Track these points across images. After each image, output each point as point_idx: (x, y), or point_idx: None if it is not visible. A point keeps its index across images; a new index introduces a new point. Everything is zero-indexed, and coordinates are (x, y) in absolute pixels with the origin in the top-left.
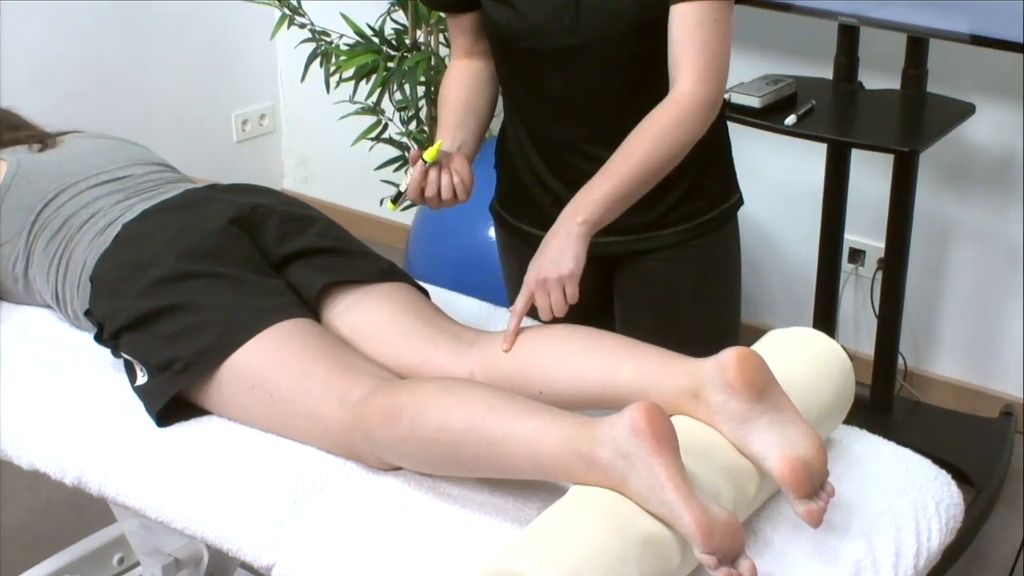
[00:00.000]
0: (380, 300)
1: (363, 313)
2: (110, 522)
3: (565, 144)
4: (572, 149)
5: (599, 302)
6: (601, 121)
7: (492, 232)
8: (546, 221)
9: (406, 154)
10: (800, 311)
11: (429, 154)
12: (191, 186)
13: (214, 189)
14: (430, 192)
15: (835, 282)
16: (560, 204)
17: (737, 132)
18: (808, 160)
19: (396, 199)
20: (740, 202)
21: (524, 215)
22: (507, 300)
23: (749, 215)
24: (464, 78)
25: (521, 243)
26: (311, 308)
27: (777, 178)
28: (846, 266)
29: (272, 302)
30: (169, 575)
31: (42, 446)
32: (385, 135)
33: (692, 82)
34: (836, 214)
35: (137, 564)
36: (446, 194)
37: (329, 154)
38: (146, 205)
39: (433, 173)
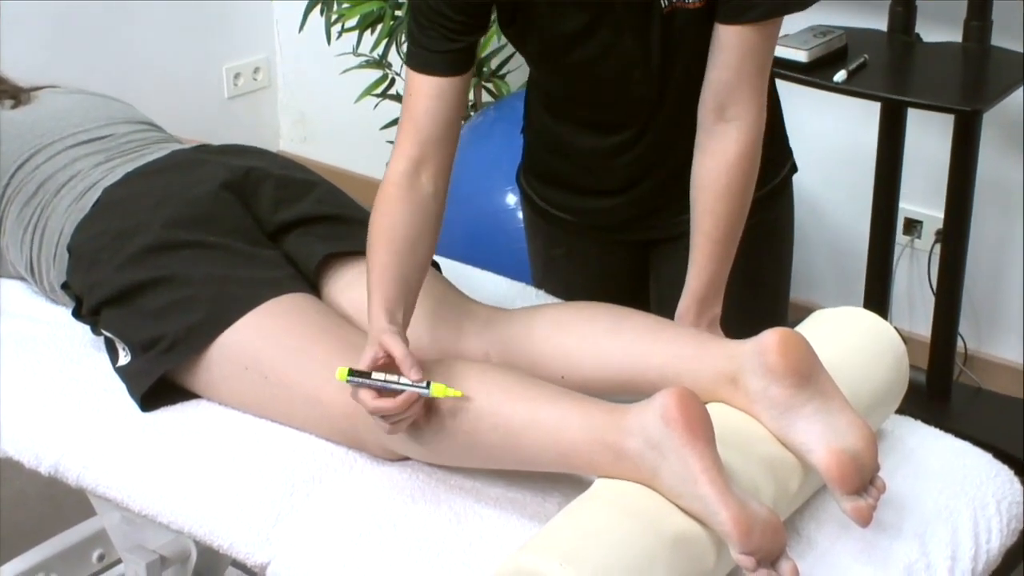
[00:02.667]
0: None
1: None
2: (89, 515)
3: (601, 153)
4: (607, 156)
5: (632, 284)
6: (642, 129)
7: (511, 198)
8: (577, 210)
9: None
10: (849, 288)
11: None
12: (178, 147)
13: (203, 150)
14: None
15: (888, 256)
16: (593, 196)
17: (781, 89)
18: (860, 121)
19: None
20: (793, 169)
21: (553, 198)
22: (530, 276)
23: (796, 182)
24: (409, 219)
25: (549, 225)
26: (310, 282)
27: (825, 141)
28: (901, 238)
29: (267, 275)
30: (153, 574)
31: (15, 432)
32: (392, 91)
33: (756, 112)
34: (890, 180)
35: (118, 562)
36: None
37: (330, 112)
38: (129, 168)
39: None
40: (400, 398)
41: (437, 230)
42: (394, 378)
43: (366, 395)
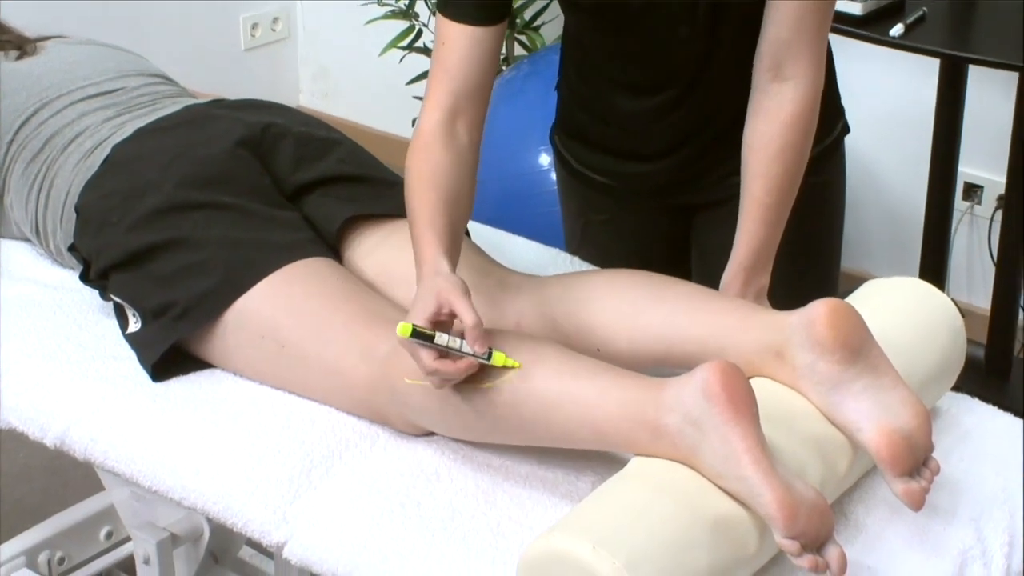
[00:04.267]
0: (410, 239)
1: (391, 253)
2: (97, 491)
3: (641, 115)
4: (647, 119)
5: (673, 251)
6: (685, 92)
7: (544, 159)
8: (615, 173)
9: None
10: (905, 257)
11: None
12: (192, 102)
13: (219, 105)
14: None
15: (946, 223)
16: (632, 159)
17: (833, 44)
18: (917, 78)
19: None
20: (845, 129)
21: (589, 160)
22: (563, 241)
23: (848, 144)
24: (451, 167)
25: (585, 188)
26: (331, 246)
27: (880, 100)
28: (960, 204)
29: (285, 238)
30: (164, 553)
31: (18, 402)
32: (419, 44)
33: (814, 71)
34: (949, 143)
35: (127, 540)
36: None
37: (353, 65)
38: (140, 123)
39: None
40: (462, 364)
41: (475, 184)
42: (457, 343)
43: (427, 356)
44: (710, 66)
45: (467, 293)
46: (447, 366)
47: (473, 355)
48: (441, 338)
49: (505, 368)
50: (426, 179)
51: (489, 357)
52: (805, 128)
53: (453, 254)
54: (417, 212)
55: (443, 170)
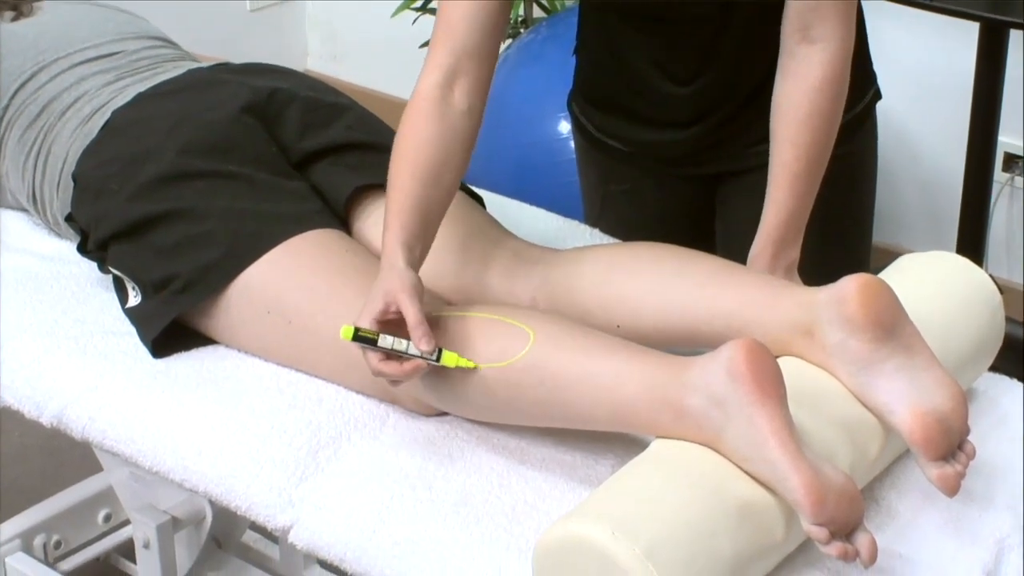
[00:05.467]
0: None
1: None
2: (95, 471)
3: (663, 81)
4: (670, 85)
5: (697, 223)
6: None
7: (564, 126)
8: (636, 141)
9: None
10: (941, 230)
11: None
12: (195, 65)
13: (223, 70)
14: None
15: (985, 195)
16: (654, 126)
17: (864, 5)
18: (955, 41)
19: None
20: (877, 96)
21: (609, 127)
22: (583, 213)
23: (881, 112)
24: (437, 141)
25: (604, 156)
26: (339, 216)
27: (916, 66)
28: (999, 175)
29: (292, 209)
30: (165, 536)
31: (14, 379)
32: (432, 4)
33: (844, 33)
34: (989, 111)
35: (126, 523)
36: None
37: (363, 27)
38: (141, 88)
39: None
40: (407, 366)
41: (467, 153)
42: (403, 344)
43: (372, 357)
44: (728, 29)
45: (418, 289)
46: (392, 368)
47: (420, 356)
48: (385, 340)
49: (519, 346)
50: (407, 155)
51: (438, 358)
52: (835, 93)
53: (419, 242)
54: (390, 193)
55: (427, 143)
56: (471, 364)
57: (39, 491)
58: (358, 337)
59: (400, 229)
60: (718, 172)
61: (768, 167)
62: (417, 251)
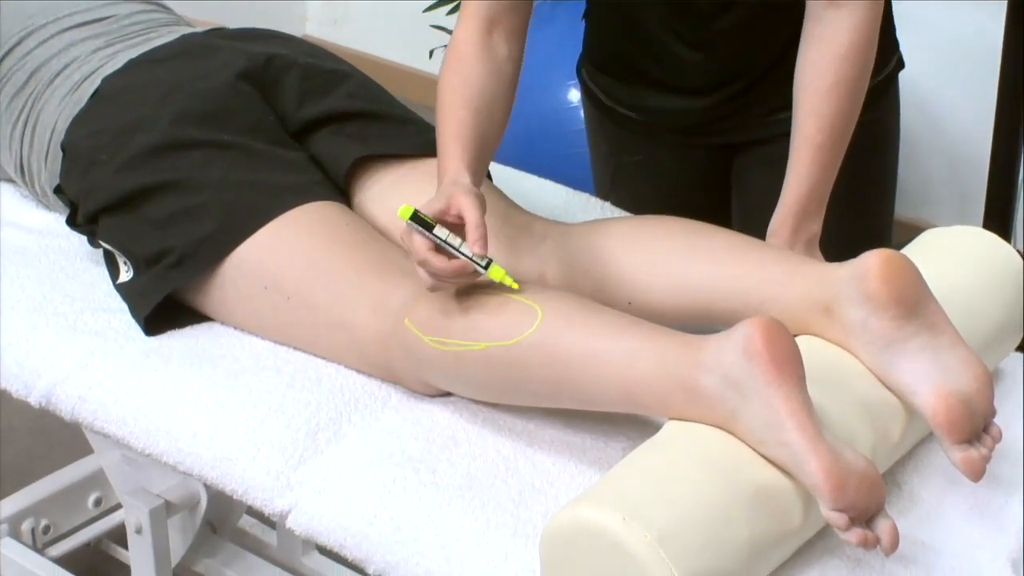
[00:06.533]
0: (427, 180)
1: (405, 196)
2: (85, 454)
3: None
4: (685, 49)
5: (712, 198)
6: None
7: (573, 95)
8: (649, 109)
9: None
10: (967, 204)
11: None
12: (189, 31)
13: (218, 35)
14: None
15: (1013, 167)
16: (669, 92)
17: None
18: (982, 10)
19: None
20: (900, 64)
21: (621, 94)
22: (591, 185)
23: (905, 82)
24: (485, 79)
25: (613, 124)
26: (340, 189)
27: (943, 35)
28: None
29: (290, 180)
30: (158, 521)
31: (1, 357)
32: None
33: None
34: (1017, 80)
35: (118, 507)
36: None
37: None
38: (132, 54)
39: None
40: (454, 264)
41: (512, 98)
42: (457, 241)
43: (420, 243)
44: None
45: (481, 200)
46: (439, 261)
47: (470, 258)
48: (441, 231)
49: (525, 323)
50: (457, 91)
51: (487, 267)
52: (863, 60)
53: (478, 171)
54: (444, 126)
55: (476, 81)
56: (515, 285)
57: (27, 474)
58: (416, 218)
59: (460, 152)
60: (736, 142)
61: (789, 136)
62: (478, 177)
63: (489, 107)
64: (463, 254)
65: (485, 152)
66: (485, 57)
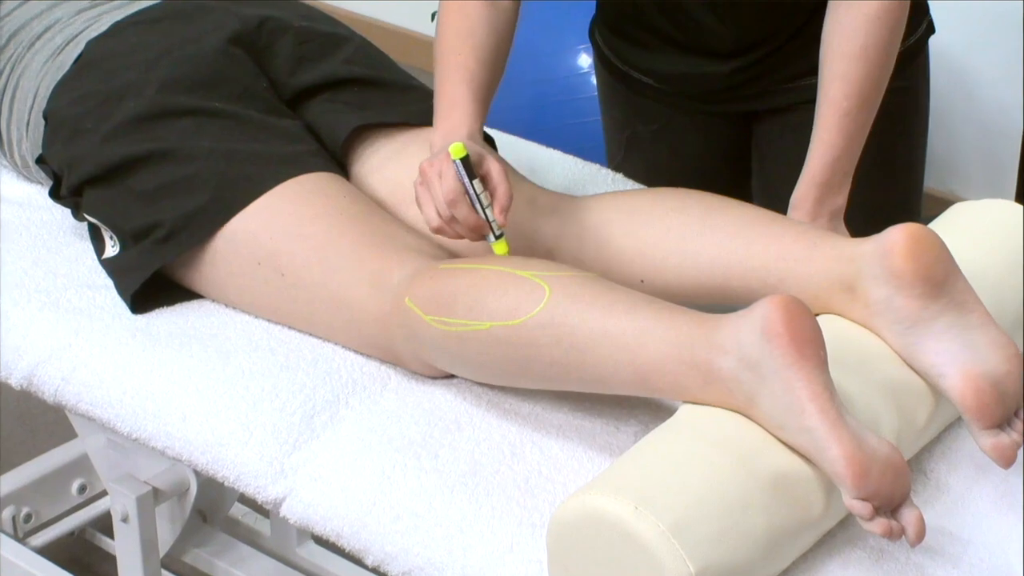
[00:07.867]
0: (429, 151)
1: (406, 168)
2: (69, 438)
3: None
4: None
5: (731, 169)
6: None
7: (584, 60)
8: (665, 74)
9: None
10: (999, 176)
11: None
12: None
13: None
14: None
15: None
16: (688, 54)
17: None
18: None
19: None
20: (930, 29)
21: (635, 59)
22: (603, 155)
23: (936, 49)
24: (489, 21)
25: (628, 90)
26: (336, 159)
27: None
28: None
29: (285, 150)
30: (145, 509)
31: None
32: None
33: None
34: None
35: (104, 494)
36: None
37: None
38: (118, 16)
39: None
40: (478, 219)
41: (511, 42)
42: (486, 201)
43: (456, 185)
44: None
45: (510, 172)
46: (468, 209)
47: (490, 223)
48: (478, 185)
49: (532, 302)
50: (464, 37)
51: (498, 237)
52: (893, 23)
53: (482, 126)
54: (451, 67)
55: (481, 22)
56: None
57: (8, 460)
58: (466, 161)
59: (472, 98)
60: (758, 109)
61: (814, 103)
62: (481, 132)
63: (495, 49)
64: (485, 216)
65: (490, 99)
66: (493, 22)
